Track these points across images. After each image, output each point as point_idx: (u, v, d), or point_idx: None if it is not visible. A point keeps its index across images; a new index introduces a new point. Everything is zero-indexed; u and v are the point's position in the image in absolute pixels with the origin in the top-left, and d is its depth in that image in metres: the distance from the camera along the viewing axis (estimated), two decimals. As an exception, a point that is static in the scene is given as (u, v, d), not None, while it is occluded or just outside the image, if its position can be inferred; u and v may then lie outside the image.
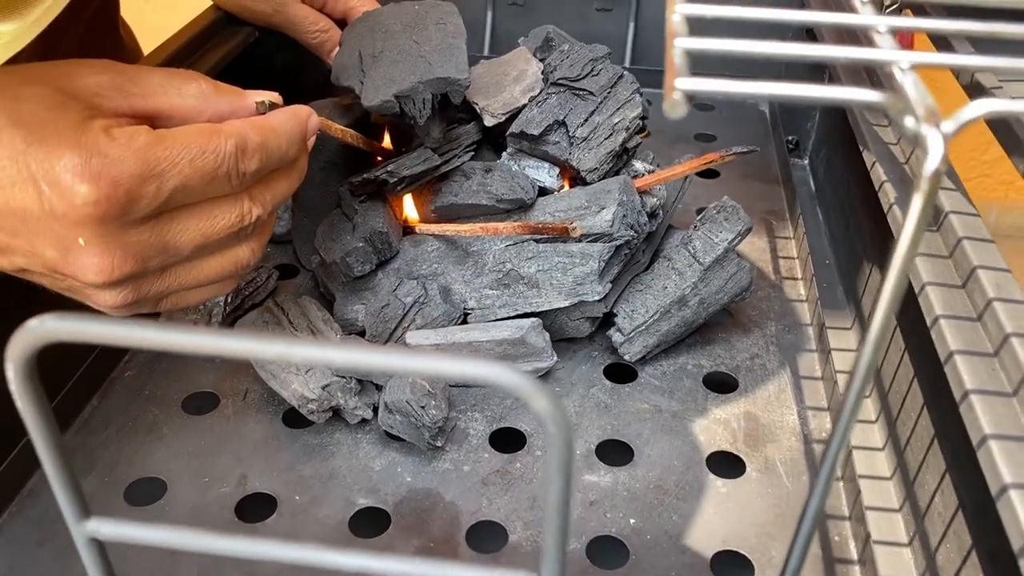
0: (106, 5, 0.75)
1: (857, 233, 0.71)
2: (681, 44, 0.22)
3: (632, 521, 0.48)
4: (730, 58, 0.23)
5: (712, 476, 0.51)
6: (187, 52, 0.69)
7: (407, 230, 0.61)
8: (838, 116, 0.88)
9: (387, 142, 0.62)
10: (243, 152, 0.39)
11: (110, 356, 0.57)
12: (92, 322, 0.23)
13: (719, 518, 0.49)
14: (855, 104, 0.20)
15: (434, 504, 0.49)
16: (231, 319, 0.60)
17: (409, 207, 0.62)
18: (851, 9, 0.27)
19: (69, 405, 0.54)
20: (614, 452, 0.53)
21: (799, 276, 0.69)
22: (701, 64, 0.23)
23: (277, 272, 0.65)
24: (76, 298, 0.40)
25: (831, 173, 0.83)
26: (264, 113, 0.43)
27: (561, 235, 0.51)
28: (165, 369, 0.58)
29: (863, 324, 0.62)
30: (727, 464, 0.52)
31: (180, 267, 0.40)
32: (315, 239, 0.61)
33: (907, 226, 0.22)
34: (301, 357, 0.22)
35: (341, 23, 0.70)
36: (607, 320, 0.59)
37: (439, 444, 0.51)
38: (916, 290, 0.49)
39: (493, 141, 0.63)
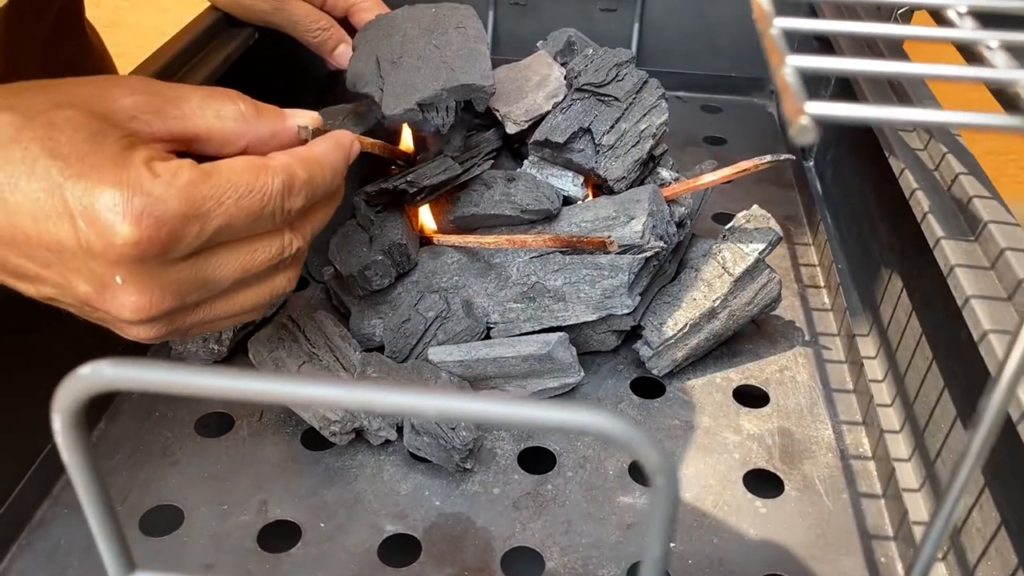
0: (70, 6, 0.72)
1: (873, 238, 0.70)
2: (793, 63, 0.20)
3: (672, 545, 0.46)
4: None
5: (750, 496, 0.50)
6: (187, 56, 0.67)
7: (424, 240, 0.59)
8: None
9: (405, 144, 0.60)
10: (290, 190, 0.38)
11: (117, 376, 0.55)
12: (153, 369, 0.21)
13: (760, 540, 0.47)
14: (994, 129, 0.19)
15: (465, 530, 0.47)
16: (242, 335, 0.58)
17: (426, 216, 0.60)
18: (947, 22, 0.25)
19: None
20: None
21: (822, 284, 0.68)
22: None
23: (287, 284, 0.63)
24: (104, 325, 0.37)
25: (840, 176, 0.82)
26: (306, 139, 0.42)
27: (598, 249, 0.49)
28: (175, 389, 0.55)
29: (881, 331, 0.61)
30: (764, 483, 0.51)
31: (217, 300, 0.39)
32: (329, 251, 0.58)
33: (1015, 354, 0.20)
34: (387, 406, 0.20)
35: (343, 21, 0.68)
36: (632, 332, 0.58)
37: (468, 466, 0.49)
38: (960, 303, 0.48)
39: (512, 148, 0.61)
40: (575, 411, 0.21)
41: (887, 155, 0.62)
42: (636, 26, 0.96)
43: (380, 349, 0.57)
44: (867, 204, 0.72)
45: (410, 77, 0.51)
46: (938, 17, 0.34)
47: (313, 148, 0.41)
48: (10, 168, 0.33)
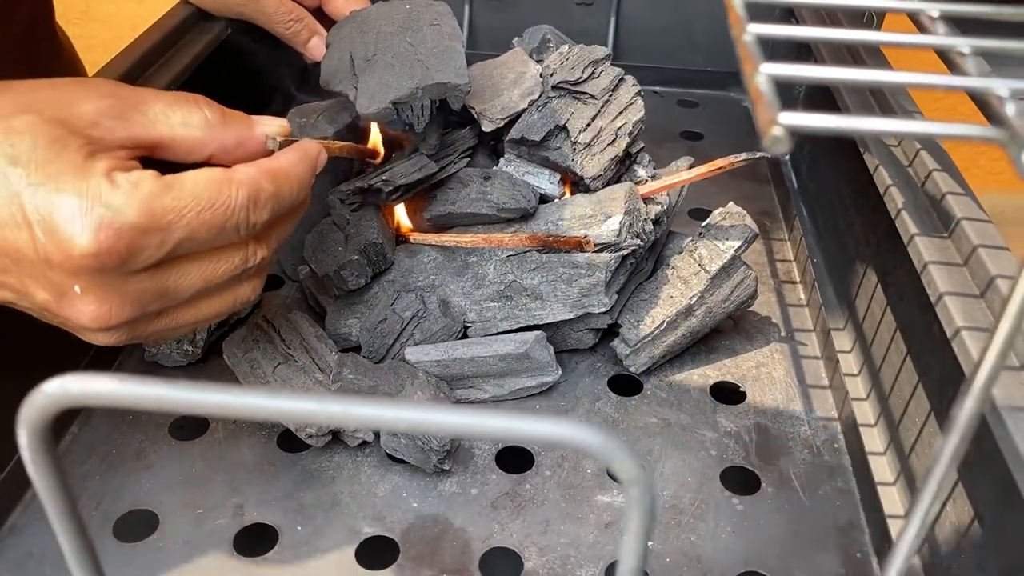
0: (40, 8, 0.71)
1: (848, 232, 0.70)
2: (766, 70, 0.20)
3: (650, 543, 0.47)
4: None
5: (727, 493, 0.50)
6: (157, 52, 0.66)
7: (400, 239, 0.59)
8: (822, 110, 0.87)
9: (374, 142, 0.59)
10: (255, 204, 0.37)
11: (89, 378, 0.54)
12: (122, 384, 0.21)
13: (738, 537, 0.47)
14: (972, 139, 0.19)
15: (443, 531, 0.47)
16: (216, 336, 0.57)
17: (401, 214, 0.59)
18: (922, 28, 0.25)
19: (56, 432, 0.50)
20: (625, 470, 0.51)
21: (797, 279, 0.68)
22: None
23: (262, 284, 0.62)
24: (65, 329, 0.37)
25: (816, 170, 0.82)
26: (273, 149, 0.41)
27: (574, 249, 0.49)
28: (148, 391, 0.55)
29: (856, 326, 0.62)
30: (742, 479, 0.51)
31: (179, 308, 0.38)
32: (304, 250, 0.58)
33: (990, 353, 0.20)
34: (362, 419, 0.20)
35: (316, 13, 0.68)
36: (609, 330, 0.58)
37: (446, 467, 0.49)
38: (932, 300, 0.48)
39: (488, 145, 0.60)
40: (551, 423, 0.21)
41: (862, 151, 0.62)
42: (612, 20, 0.96)
43: (356, 349, 0.56)
44: (842, 199, 0.72)
45: (384, 75, 0.51)
46: (914, 21, 0.34)
47: (280, 159, 0.40)
48: None
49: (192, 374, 0.56)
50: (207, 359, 0.57)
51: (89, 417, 0.53)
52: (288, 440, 0.52)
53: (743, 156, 0.55)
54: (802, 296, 0.66)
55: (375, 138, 0.57)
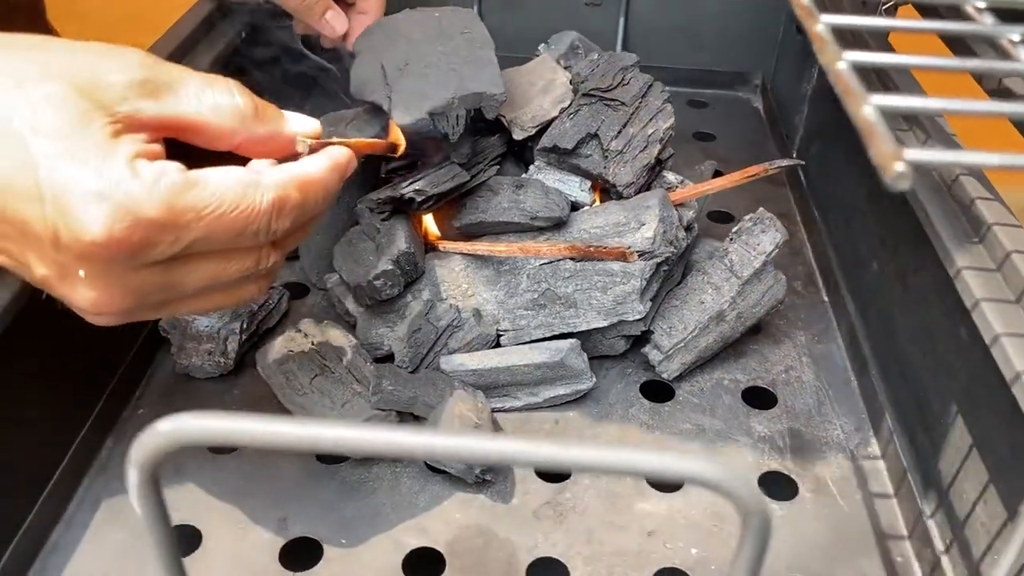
0: (32, 8, 0.69)
1: (862, 232, 0.71)
2: (877, 102, 0.20)
3: (694, 551, 0.47)
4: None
5: (766, 499, 0.50)
6: (171, 58, 0.66)
7: (428, 247, 0.59)
8: (829, 110, 0.88)
9: (394, 135, 0.58)
10: (279, 211, 0.36)
11: (121, 393, 0.54)
12: (239, 422, 0.21)
13: (780, 543, 0.48)
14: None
15: (488, 542, 0.47)
16: (247, 346, 0.57)
17: (430, 222, 0.59)
18: (966, 17, 0.25)
19: (84, 449, 0.50)
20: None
21: (819, 282, 0.68)
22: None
23: (288, 293, 0.62)
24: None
25: (826, 169, 0.83)
26: (302, 152, 0.40)
27: (617, 260, 0.49)
28: (180, 406, 0.54)
29: (876, 328, 0.62)
30: (779, 485, 0.51)
31: (179, 301, 0.37)
32: (334, 260, 0.58)
33: None
34: (480, 455, 0.20)
35: None
36: (640, 335, 0.58)
37: (488, 477, 0.49)
38: (969, 306, 0.49)
39: (514, 152, 0.60)
40: (672, 458, 0.21)
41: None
42: (622, 21, 0.96)
43: (388, 358, 0.56)
44: (855, 198, 0.72)
45: (418, 85, 0.51)
46: (956, 12, 0.34)
47: (309, 166, 0.39)
48: None
49: (224, 385, 0.56)
50: (239, 370, 0.57)
51: (123, 432, 0.52)
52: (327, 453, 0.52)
53: (777, 163, 0.55)
54: (825, 298, 0.67)
55: (396, 132, 0.56)
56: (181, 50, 0.66)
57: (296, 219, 0.38)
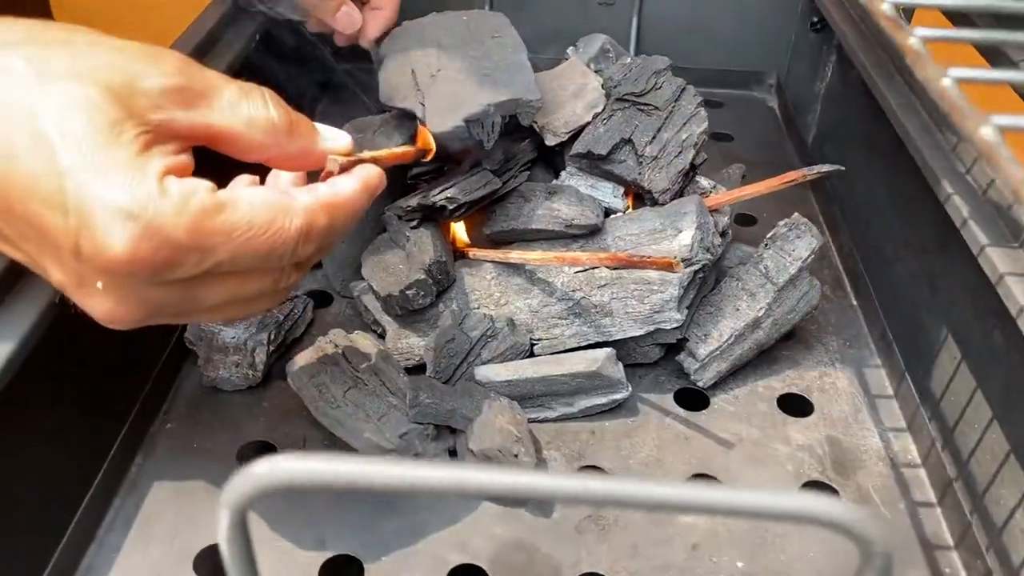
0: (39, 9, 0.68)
1: (885, 234, 0.70)
2: (999, 122, 0.19)
3: (740, 564, 0.46)
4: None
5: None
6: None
7: (457, 254, 0.58)
8: (843, 110, 0.87)
9: (423, 140, 0.56)
10: (306, 237, 0.35)
11: (148, 407, 0.53)
12: (339, 464, 0.20)
13: (825, 555, 0.47)
14: None
15: (531, 557, 0.46)
16: (274, 357, 0.56)
17: (459, 230, 0.58)
18: None
19: (115, 467, 0.49)
20: (704, 487, 0.51)
21: (847, 285, 0.68)
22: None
23: (312, 301, 0.61)
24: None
25: (846, 174, 0.82)
26: (333, 172, 0.39)
27: (664, 270, 0.48)
28: (209, 419, 0.53)
29: (892, 328, 0.61)
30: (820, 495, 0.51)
31: (194, 314, 0.36)
32: (362, 269, 0.56)
33: None
34: (601, 496, 0.19)
35: None
36: (674, 342, 0.57)
37: (528, 491, 0.48)
38: (1013, 312, 0.48)
39: (543, 158, 0.59)
40: (798, 499, 0.20)
41: (915, 157, 0.62)
42: (635, 20, 0.95)
43: (419, 368, 0.55)
44: (876, 200, 0.72)
45: (452, 91, 0.50)
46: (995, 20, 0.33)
47: (339, 190, 0.38)
48: (13, 133, 0.30)
49: (252, 398, 0.55)
50: (266, 381, 0.56)
51: (152, 448, 0.51)
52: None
53: (816, 169, 0.54)
54: (854, 302, 0.66)
55: (425, 136, 0.55)
56: (199, 51, 0.64)
57: (322, 243, 0.37)
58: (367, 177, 0.40)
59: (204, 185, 0.33)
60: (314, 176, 0.42)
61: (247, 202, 0.34)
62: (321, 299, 0.63)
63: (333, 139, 0.40)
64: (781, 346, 0.60)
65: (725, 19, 0.95)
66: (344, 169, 0.39)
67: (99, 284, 0.32)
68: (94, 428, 0.48)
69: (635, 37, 0.95)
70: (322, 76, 0.76)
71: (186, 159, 0.34)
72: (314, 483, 0.20)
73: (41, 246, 0.32)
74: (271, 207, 0.34)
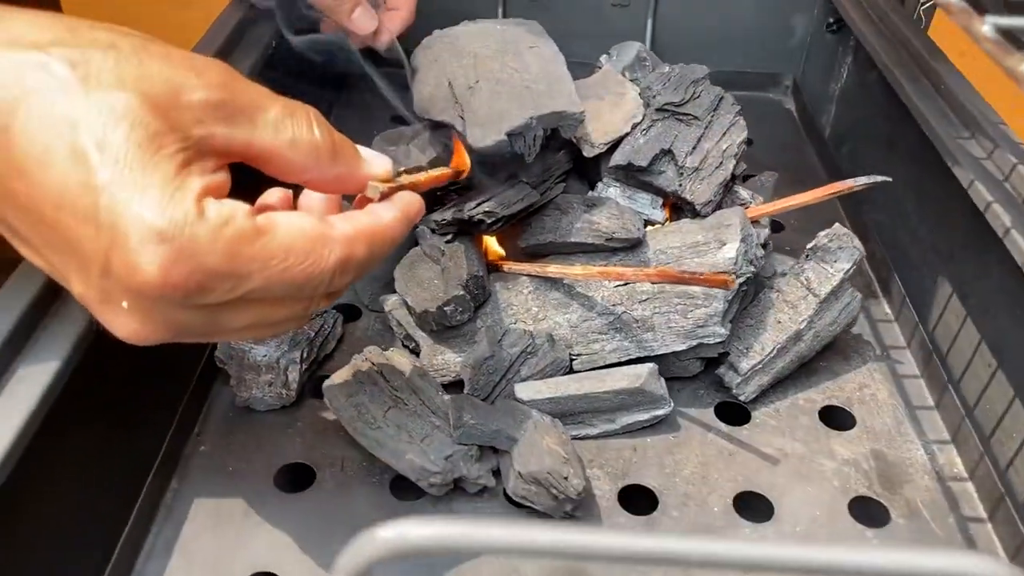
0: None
1: (911, 238, 0.69)
2: None
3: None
4: None
5: (859, 526, 0.49)
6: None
7: (490, 267, 0.56)
8: (860, 112, 0.87)
9: (459, 158, 0.55)
10: (343, 268, 0.34)
11: (181, 429, 0.51)
12: (473, 528, 0.19)
13: None
14: None
15: (581, 580, 0.45)
16: (307, 376, 0.55)
17: (492, 243, 0.57)
18: None
19: (152, 494, 0.47)
20: (752, 505, 0.50)
21: (879, 292, 0.67)
22: None
23: (341, 316, 0.60)
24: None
25: (861, 172, 0.81)
26: (373, 198, 0.38)
27: (718, 287, 0.47)
28: (243, 440, 0.52)
29: (929, 337, 0.61)
30: (869, 511, 0.50)
31: (216, 336, 0.35)
32: (396, 284, 0.55)
33: None
34: (755, 559, 0.18)
35: None
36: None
37: (577, 513, 0.47)
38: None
39: (576, 169, 0.58)
40: (949, 557, 0.19)
41: (949, 164, 0.61)
42: (649, 23, 0.94)
43: (454, 384, 0.54)
44: (900, 204, 0.71)
45: (492, 104, 0.49)
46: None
47: (380, 219, 0.37)
48: (51, 141, 0.29)
49: (285, 418, 0.53)
50: (299, 400, 0.54)
51: (186, 472, 0.50)
52: (401, 487, 0.50)
53: (863, 180, 0.53)
54: (888, 311, 0.65)
55: (461, 154, 0.54)
56: (221, 54, 0.63)
57: (358, 274, 0.36)
58: (407, 205, 0.39)
59: (242, 209, 0.32)
60: (348, 198, 0.40)
61: (285, 230, 0.33)
62: (349, 313, 0.62)
63: (374, 163, 0.39)
64: (818, 357, 0.59)
65: (740, 20, 0.94)
66: (384, 196, 0.38)
67: (124, 304, 0.31)
68: (131, 454, 0.47)
69: (650, 39, 0.94)
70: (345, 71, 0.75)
71: (223, 177, 0.33)
72: (448, 549, 0.19)
73: (68, 258, 0.31)
74: (310, 237, 0.33)
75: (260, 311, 0.34)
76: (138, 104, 0.30)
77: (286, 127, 0.35)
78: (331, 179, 0.37)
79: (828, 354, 0.60)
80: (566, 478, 0.46)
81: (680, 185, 0.53)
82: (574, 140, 0.54)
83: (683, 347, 0.52)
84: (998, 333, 0.55)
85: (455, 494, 0.49)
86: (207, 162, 0.32)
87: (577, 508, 0.47)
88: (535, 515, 0.48)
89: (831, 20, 0.93)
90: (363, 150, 0.39)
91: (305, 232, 0.33)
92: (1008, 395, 0.53)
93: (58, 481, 0.40)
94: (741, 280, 0.51)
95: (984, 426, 0.53)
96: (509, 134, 0.47)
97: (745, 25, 0.94)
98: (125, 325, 0.32)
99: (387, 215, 0.37)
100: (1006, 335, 0.54)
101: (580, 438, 0.53)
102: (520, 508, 0.48)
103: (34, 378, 0.38)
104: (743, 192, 0.56)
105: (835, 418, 0.56)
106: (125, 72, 0.30)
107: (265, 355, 0.53)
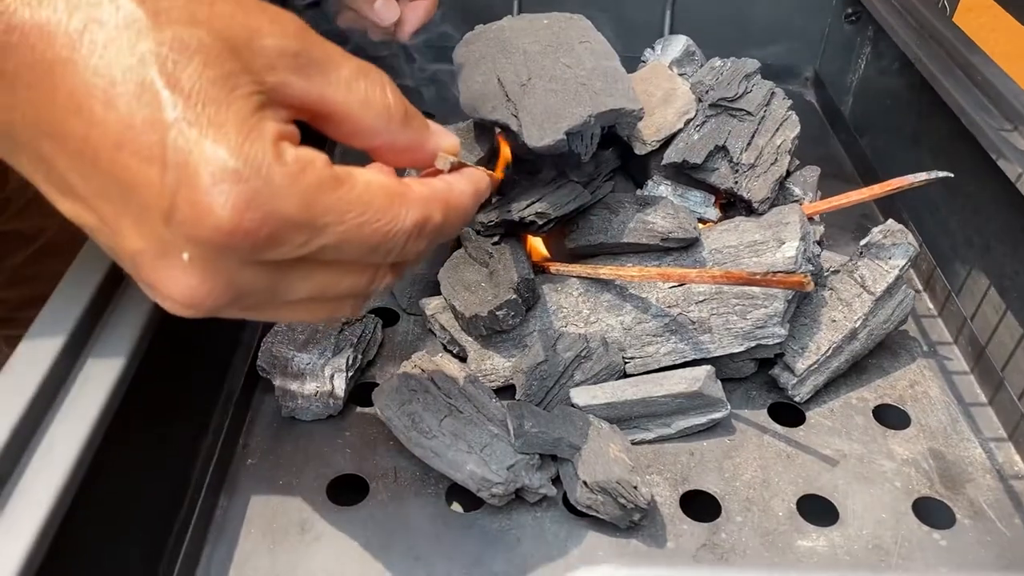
0: None
1: (942, 230, 0.69)
2: None
3: (870, 593, 0.45)
4: None
5: (925, 528, 0.48)
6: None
7: (536, 268, 0.55)
8: (879, 103, 0.86)
9: (504, 159, 0.54)
10: (419, 231, 0.32)
11: (226, 443, 0.50)
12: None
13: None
14: None
15: (651, 591, 0.44)
16: (352, 383, 0.53)
17: (538, 243, 0.56)
18: None
19: (204, 511, 0.46)
20: (816, 509, 0.49)
21: (921, 287, 0.67)
22: None
23: (381, 321, 0.58)
24: (122, 266, 0.31)
25: (883, 164, 0.81)
26: (442, 169, 0.36)
27: (793, 289, 0.46)
28: (291, 452, 0.50)
29: (978, 333, 0.60)
30: (934, 511, 0.49)
31: (273, 307, 0.32)
32: (441, 287, 0.54)
33: None
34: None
35: None
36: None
37: (642, 522, 0.46)
38: None
39: (622, 166, 0.57)
40: None
41: (994, 157, 0.60)
42: (668, 13, 0.92)
43: (503, 389, 0.53)
44: (928, 196, 0.70)
45: (548, 102, 0.47)
46: None
47: (453, 188, 0.35)
48: (117, 77, 0.26)
49: (333, 427, 0.52)
50: (345, 408, 0.53)
51: (235, 486, 0.48)
52: (459, 496, 0.48)
53: (923, 176, 0.52)
54: (930, 306, 0.65)
55: (505, 155, 0.52)
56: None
57: (431, 242, 0.33)
58: (477, 178, 0.37)
59: (321, 157, 0.29)
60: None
61: (365, 183, 0.30)
62: (387, 317, 0.60)
63: (443, 136, 0.36)
64: (867, 354, 0.59)
65: (759, 11, 0.93)
66: (453, 170, 0.36)
67: (185, 255, 0.28)
68: (175, 470, 0.45)
69: (668, 30, 0.93)
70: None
71: (295, 130, 0.30)
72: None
73: (123, 206, 0.28)
74: (390, 193, 0.31)
75: (325, 278, 0.32)
76: (211, 41, 0.27)
77: (359, 86, 0.32)
78: (401, 146, 0.34)
79: (876, 351, 0.59)
80: (635, 487, 0.44)
81: (736, 182, 0.52)
82: (624, 137, 0.52)
83: (741, 349, 0.51)
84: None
85: (515, 503, 0.48)
86: (281, 111, 0.30)
87: (644, 517, 0.46)
88: (598, 524, 0.47)
89: (849, 11, 0.92)
90: (433, 124, 0.36)
91: (385, 188, 0.31)
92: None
93: (104, 502, 0.38)
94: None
95: (1042, 423, 0.53)
96: (568, 133, 0.46)
97: (764, 15, 0.93)
98: (182, 283, 0.29)
99: (459, 183, 0.35)
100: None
101: (636, 443, 0.51)
102: (582, 517, 0.47)
103: (86, 400, 0.36)
104: (796, 189, 0.55)
105: (889, 417, 0.55)
106: (197, 10, 0.28)
107: (309, 363, 0.52)
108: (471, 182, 0.36)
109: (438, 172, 0.36)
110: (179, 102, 0.26)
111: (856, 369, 0.57)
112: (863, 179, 0.79)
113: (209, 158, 0.26)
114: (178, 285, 0.29)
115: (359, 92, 0.32)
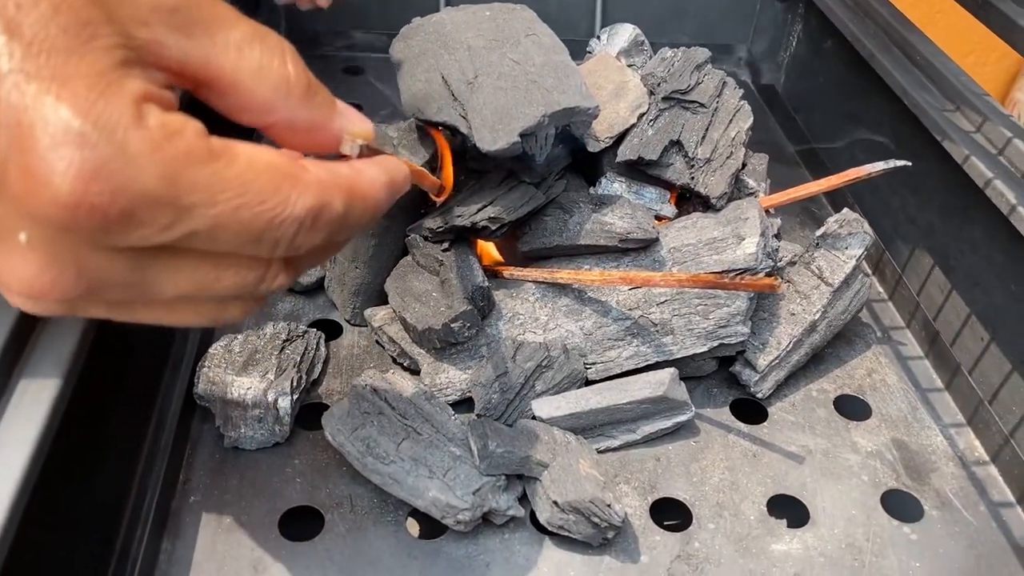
0: None
1: (885, 210, 0.69)
2: None
3: (848, 594, 0.44)
4: None
5: (895, 522, 0.48)
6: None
7: (487, 273, 0.52)
8: (812, 82, 0.86)
9: (446, 174, 0.51)
10: (313, 222, 0.27)
11: (165, 481, 0.46)
12: None
13: (926, 571, 0.45)
14: None
15: (629, 610, 0.43)
16: (298, 406, 0.50)
17: (488, 246, 0.53)
18: None
19: (147, 557, 0.42)
20: (786, 509, 0.48)
21: (870, 271, 0.66)
22: None
23: (323, 335, 0.55)
24: None
25: (821, 142, 0.81)
26: (350, 156, 0.30)
27: (764, 292, 0.44)
28: (236, 485, 0.47)
29: (932, 316, 0.60)
30: (902, 504, 0.49)
31: (143, 306, 0.27)
32: (390, 298, 0.51)
33: None
34: None
35: None
36: (723, 352, 0.54)
37: (610, 536, 0.44)
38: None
39: (573, 163, 0.54)
40: None
41: (940, 139, 0.60)
42: (599, -6, 0.90)
43: (460, 403, 0.51)
44: (873, 180, 0.70)
45: (498, 102, 0.44)
46: None
47: (362, 176, 0.29)
48: None
49: (279, 456, 0.48)
50: (291, 434, 0.49)
51: (178, 527, 0.45)
52: (420, 524, 0.46)
53: (881, 166, 0.51)
54: (880, 290, 0.65)
55: (448, 170, 0.49)
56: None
57: (330, 236, 0.28)
58: (392, 167, 0.31)
59: (194, 125, 0.24)
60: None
61: (247, 158, 0.25)
62: (329, 331, 0.57)
63: (353, 119, 0.31)
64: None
65: (691, -9, 0.91)
66: (363, 156, 0.31)
67: (22, 236, 0.23)
68: (110, 513, 0.42)
69: (600, 11, 0.91)
70: None
71: (170, 97, 0.25)
72: None
73: None
74: (277, 172, 0.26)
75: (201, 273, 0.27)
76: None
77: (253, 52, 0.27)
78: (299, 125, 0.29)
79: (833, 341, 0.58)
80: (609, 505, 0.43)
81: (692, 178, 0.50)
82: (578, 136, 0.50)
83: (704, 349, 0.50)
84: (994, 303, 0.55)
85: (481, 527, 0.45)
86: (153, 72, 0.25)
87: (617, 533, 0.44)
88: (569, 543, 0.45)
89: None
90: (342, 104, 0.31)
91: (273, 166, 0.26)
92: (1004, 367, 0.53)
93: (29, 555, 0.34)
94: (761, 275, 0.49)
95: (1002, 413, 0.53)
96: (521, 134, 0.43)
97: (695, -6, 0.92)
98: (22, 269, 0.24)
99: (370, 170, 0.30)
100: (1003, 304, 0.54)
101: (601, 451, 0.50)
102: (551, 535, 0.45)
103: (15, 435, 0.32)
104: (750, 181, 0.54)
105: (850, 408, 0.54)
106: None
107: (250, 387, 0.48)
108: (384, 170, 0.30)
109: (346, 158, 0.30)
110: (17, 50, 0.22)
111: (814, 360, 0.57)
112: (804, 160, 0.79)
113: (48, 117, 0.22)
114: (15, 272, 0.24)
115: (252, 59, 0.27)
